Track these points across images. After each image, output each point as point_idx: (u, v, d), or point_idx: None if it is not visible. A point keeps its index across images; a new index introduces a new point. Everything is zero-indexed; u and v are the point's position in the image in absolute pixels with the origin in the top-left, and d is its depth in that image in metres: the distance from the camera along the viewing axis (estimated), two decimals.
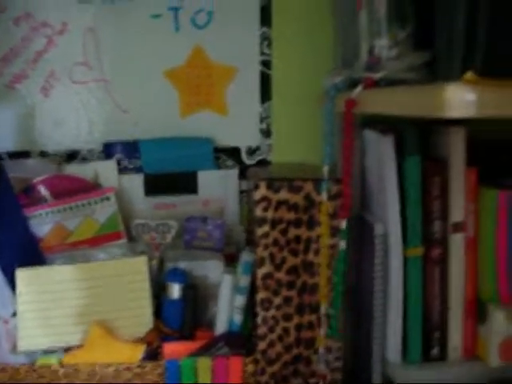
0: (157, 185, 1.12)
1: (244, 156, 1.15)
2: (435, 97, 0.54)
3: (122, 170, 1.11)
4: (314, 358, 0.92)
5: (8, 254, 0.97)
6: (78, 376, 0.91)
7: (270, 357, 0.92)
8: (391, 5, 0.73)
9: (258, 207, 0.87)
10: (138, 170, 1.12)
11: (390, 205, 0.83)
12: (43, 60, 1.10)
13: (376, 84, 0.73)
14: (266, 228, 0.87)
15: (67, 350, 0.94)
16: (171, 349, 0.92)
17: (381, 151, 0.83)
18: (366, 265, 0.89)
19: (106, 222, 1.04)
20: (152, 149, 1.11)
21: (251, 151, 1.15)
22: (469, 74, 0.54)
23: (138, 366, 0.91)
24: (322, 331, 0.90)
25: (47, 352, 0.94)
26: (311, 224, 0.88)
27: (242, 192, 1.15)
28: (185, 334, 0.95)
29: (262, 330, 0.91)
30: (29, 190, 1.03)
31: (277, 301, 0.90)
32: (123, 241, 1.04)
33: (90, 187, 1.06)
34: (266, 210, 0.87)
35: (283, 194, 0.87)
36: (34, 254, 0.99)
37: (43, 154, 1.12)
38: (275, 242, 0.88)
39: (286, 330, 0.91)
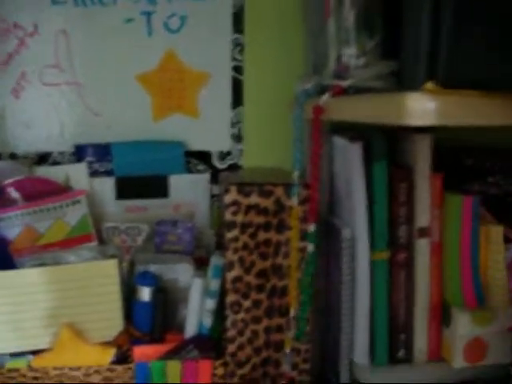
0: (128, 188, 1.12)
1: (215, 160, 1.16)
2: (397, 105, 0.56)
3: (94, 173, 1.11)
4: (283, 360, 0.93)
5: None
6: (47, 379, 0.91)
7: (240, 359, 0.92)
8: (359, 14, 0.74)
9: (227, 211, 0.88)
10: (109, 173, 1.11)
11: (357, 210, 0.84)
12: (14, 61, 1.09)
13: (344, 92, 0.75)
14: (235, 232, 0.88)
15: (36, 353, 0.93)
16: (141, 352, 0.93)
17: (349, 157, 0.84)
18: (334, 268, 0.90)
19: (77, 225, 1.03)
20: (123, 152, 1.11)
21: (222, 156, 1.16)
22: (429, 84, 0.56)
23: (108, 369, 0.91)
24: (291, 333, 0.91)
25: (16, 355, 0.93)
26: (281, 228, 0.89)
27: (213, 196, 1.16)
28: (155, 337, 0.95)
29: (231, 333, 0.92)
30: None
31: (246, 304, 0.91)
32: (94, 244, 1.04)
33: (60, 190, 1.06)
34: (235, 214, 0.88)
35: (253, 199, 0.88)
36: (3, 257, 0.99)
37: (14, 156, 1.12)
38: (245, 246, 0.89)
39: (255, 333, 0.92)
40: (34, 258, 0.99)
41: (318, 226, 0.87)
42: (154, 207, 1.12)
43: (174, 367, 0.91)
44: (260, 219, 0.88)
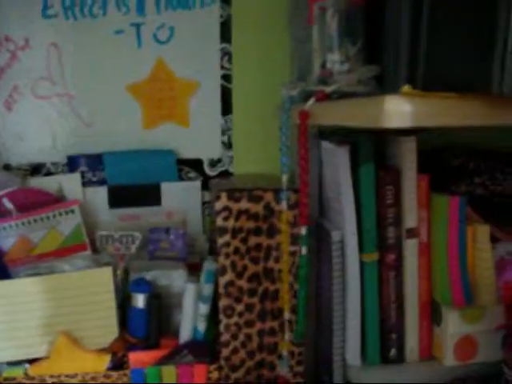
0: (121, 197, 1.13)
1: (206, 168, 1.17)
2: (375, 108, 0.57)
3: (86, 183, 1.12)
4: (277, 363, 0.94)
5: None
6: None
7: (234, 363, 0.93)
8: (342, 21, 0.76)
9: (218, 217, 0.89)
10: (101, 182, 1.13)
11: (346, 212, 0.86)
12: (6, 75, 1.11)
13: (328, 97, 0.76)
14: (226, 237, 0.89)
15: (33, 361, 0.94)
16: (136, 358, 0.94)
17: (336, 161, 0.86)
18: (325, 271, 0.92)
19: (71, 234, 1.05)
20: (115, 161, 1.12)
21: (213, 163, 1.18)
22: (406, 87, 0.57)
23: (104, 376, 0.92)
24: (286, 336, 0.92)
25: (12, 364, 0.94)
26: (271, 232, 0.90)
27: (204, 203, 1.17)
28: (150, 343, 0.96)
29: (225, 337, 0.93)
30: None
31: (239, 308, 0.92)
32: (88, 252, 1.05)
33: (54, 200, 1.07)
34: (226, 219, 0.89)
35: (244, 204, 0.89)
36: None
37: (7, 168, 1.13)
38: (236, 251, 0.90)
39: (248, 337, 0.93)
40: (28, 267, 1.00)
41: (310, 228, 0.89)
42: (146, 215, 1.14)
43: (169, 372, 0.92)
44: (251, 224, 0.89)
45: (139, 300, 0.96)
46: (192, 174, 1.17)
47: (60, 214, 1.04)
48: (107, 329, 0.96)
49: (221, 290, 0.91)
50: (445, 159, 0.98)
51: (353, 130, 0.73)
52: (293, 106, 0.87)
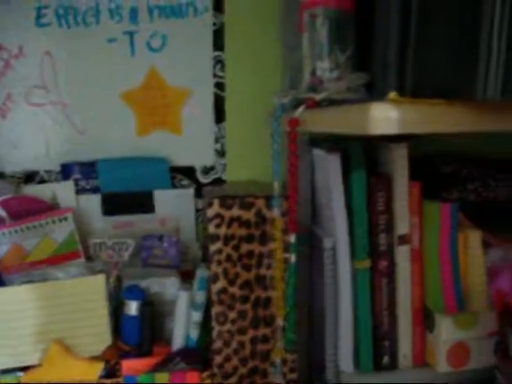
0: (114, 204, 1.13)
1: (199, 175, 1.18)
2: (361, 115, 0.57)
3: (80, 191, 1.13)
4: (270, 370, 0.94)
5: None
6: None
7: (227, 371, 0.93)
8: (332, 28, 0.77)
9: (211, 224, 0.89)
10: (95, 190, 1.13)
11: (337, 219, 0.86)
12: (0, 83, 1.11)
13: (318, 104, 0.76)
14: (219, 244, 0.90)
15: (26, 369, 0.94)
16: (129, 365, 0.93)
17: (328, 168, 0.86)
18: (317, 278, 0.92)
19: (64, 242, 1.05)
20: (109, 169, 1.13)
21: (206, 170, 1.18)
22: (392, 94, 0.57)
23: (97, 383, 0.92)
24: (279, 344, 0.92)
25: (5, 372, 0.94)
26: (263, 239, 0.90)
27: (197, 210, 1.17)
28: (143, 350, 0.96)
29: (217, 345, 0.93)
30: None
31: (231, 315, 0.92)
32: (81, 260, 1.05)
33: (48, 208, 1.07)
34: (218, 226, 0.89)
35: (235, 211, 0.89)
36: None
37: (1, 176, 1.13)
38: (228, 258, 0.90)
39: (241, 344, 0.93)
40: (22, 275, 1.00)
41: (302, 235, 0.89)
42: (140, 222, 1.14)
43: (161, 380, 0.92)
44: (242, 231, 0.90)
45: (132, 307, 0.96)
46: (185, 182, 1.17)
47: (53, 222, 1.04)
48: (100, 336, 0.96)
49: (213, 297, 0.91)
50: (436, 166, 0.98)
51: (344, 136, 0.74)
52: (284, 114, 0.87)
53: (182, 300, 0.95)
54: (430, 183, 0.88)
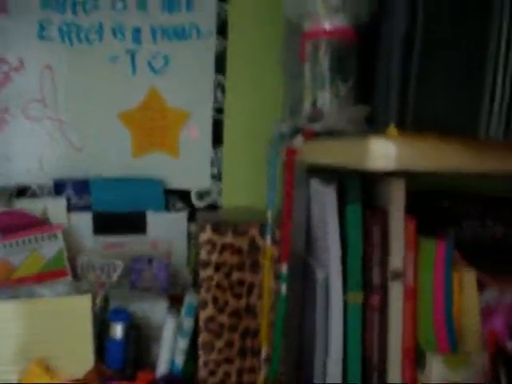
0: (106, 224, 1.12)
1: (194, 199, 1.16)
2: (360, 149, 0.56)
3: (72, 208, 1.11)
4: None
5: None
6: None
7: None
8: (334, 59, 0.76)
9: (202, 250, 0.88)
10: (87, 208, 1.12)
11: (331, 251, 0.84)
12: None
13: (317, 135, 0.76)
14: (209, 271, 0.88)
15: None
16: None
17: (323, 200, 0.85)
18: (309, 309, 0.90)
19: (52, 259, 1.03)
20: (102, 187, 1.11)
21: (201, 194, 1.17)
22: (392, 129, 0.57)
23: None
24: (262, 374, 0.91)
25: None
26: (255, 268, 0.89)
27: (190, 235, 1.16)
28: (126, 375, 0.94)
29: (203, 373, 0.91)
30: None
31: (219, 344, 0.90)
32: (68, 278, 1.04)
33: (38, 223, 1.06)
34: (210, 253, 0.88)
35: (228, 238, 0.88)
36: None
37: None
38: (218, 285, 0.89)
39: (227, 374, 0.91)
40: (7, 290, 0.98)
41: (294, 265, 0.87)
42: (131, 243, 1.12)
43: None
44: (234, 259, 0.88)
45: (117, 330, 0.95)
46: (179, 205, 1.16)
47: (42, 239, 1.03)
48: (82, 358, 0.94)
49: (201, 324, 0.89)
50: (434, 201, 0.97)
51: (341, 168, 0.73)
52: (283, 142, 0.87)
53: (169, 326, 0.93)
54: (427, 218, 0.87)
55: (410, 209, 0.85)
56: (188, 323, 0.92)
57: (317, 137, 0.76)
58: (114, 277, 1.04)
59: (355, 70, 0.76)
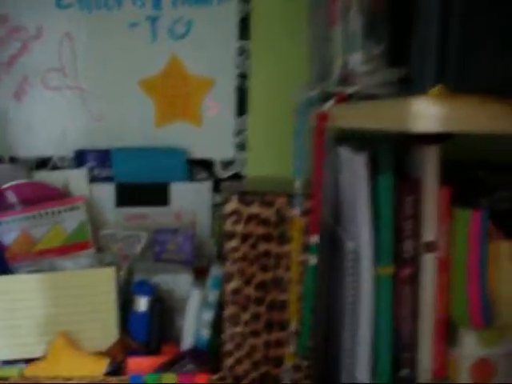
0: (128, 195, 1.10)
1: (218, 169, 1.14)
2: (401, 111, 0.54)
3: (94, 179, 1.10)
4: (283, 376, 0.91)
5: None
6: None
7: (237, 374, 0.90)
8: (366, 21, 0.72)
9: (228, 221, 0.86)
10: (109, 179, 1.10)
11: (361, 222, 0.82)
12: (17, 64, 1.08)
13: (349, 98, 0.72)
14: (235, 242, 0.86)
15: (29, 361, 0.92)
16: (135, 363, 0.91)
17: (354, 169, 0.82)
18: (337, 282, 0.88)
19: (74, 232, 1.02)
20: (124, 158, 1.10)
21: (225, 164, 1.14)
22: (435, 89, 0.53)
23: (101, 381, 0.89)
24: (291, 348, 0.89)
25: (8, 363, 0.92)
26: (282, 239, 0.87)
27: (214, 205, 1.14)
28: (151, 348, 0.94)
29: (229, 347, 0.89)
30: None
31: (245, 317, 0.88)
32: (91, 251, 1.03)
33: (59, 195, 1.05)
34: (236, 223, 0.86)
35: (255, 208, 0.85)
36: None
37: (13, 160, 1.11)
38: (244, 257, 0.86)
39: (253, 347, 0.90)
40: (29, 263, 0.98)
41: (322, 237, 0.85)
42: (154, 215, 1.11)
43: (169, 380, 0.89)
44: (261, 230, 0.86)
45: (142, 303, 0.94)
46: (203, 175, 1.14)
47: (64, 211, 1.02)
48: (107, 331, 0.94)
49: (227, 297, 0.88)
50: (468, 171, 0.94)
51: (372, 136, 0.70)
52: (310, 108, 0.84)
53: (194, 298, 0.92)
54: (461, 189, 0.84)
55: (444, 178, 0.82)
56: (213, 296, 0.91)
57: (348, 100, 0.73)
58: (138, 249, 1.03)
59: (388, 31, 0.72)
